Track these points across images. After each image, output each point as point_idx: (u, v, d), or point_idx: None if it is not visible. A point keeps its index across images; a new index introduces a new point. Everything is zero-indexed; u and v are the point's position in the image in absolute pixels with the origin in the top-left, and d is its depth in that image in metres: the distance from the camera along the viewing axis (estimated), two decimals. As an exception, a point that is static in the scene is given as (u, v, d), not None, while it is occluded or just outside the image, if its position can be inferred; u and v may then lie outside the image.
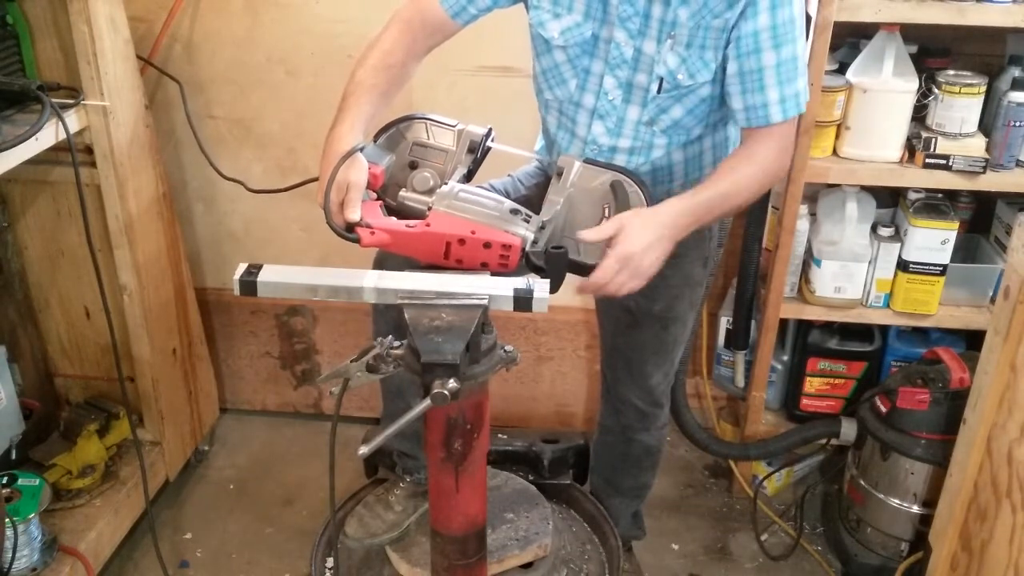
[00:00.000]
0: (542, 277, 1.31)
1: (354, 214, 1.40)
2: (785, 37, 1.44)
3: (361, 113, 1.52)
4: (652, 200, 1.46)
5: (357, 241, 1.40)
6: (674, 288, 1.73)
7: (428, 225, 1.39)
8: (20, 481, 1.94)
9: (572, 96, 1.60)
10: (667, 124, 1.56)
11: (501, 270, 1.38)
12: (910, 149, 2.06)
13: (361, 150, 1.46)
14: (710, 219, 1.51)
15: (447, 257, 1.38)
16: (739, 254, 2.29)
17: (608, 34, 1.51)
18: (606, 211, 1.46)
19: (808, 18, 1.97)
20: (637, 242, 1.37)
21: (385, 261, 1.68)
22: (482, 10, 1.60)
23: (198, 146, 2.37)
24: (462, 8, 1.59)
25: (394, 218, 1.44)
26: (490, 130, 1.59)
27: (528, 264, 1.38)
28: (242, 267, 1.31)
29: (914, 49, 2.03)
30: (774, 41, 1.44)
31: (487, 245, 1.37)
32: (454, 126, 1.58)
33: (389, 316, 1.68)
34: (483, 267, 1.38)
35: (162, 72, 2.34)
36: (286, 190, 2.18)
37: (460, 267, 1.39)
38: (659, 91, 1.52)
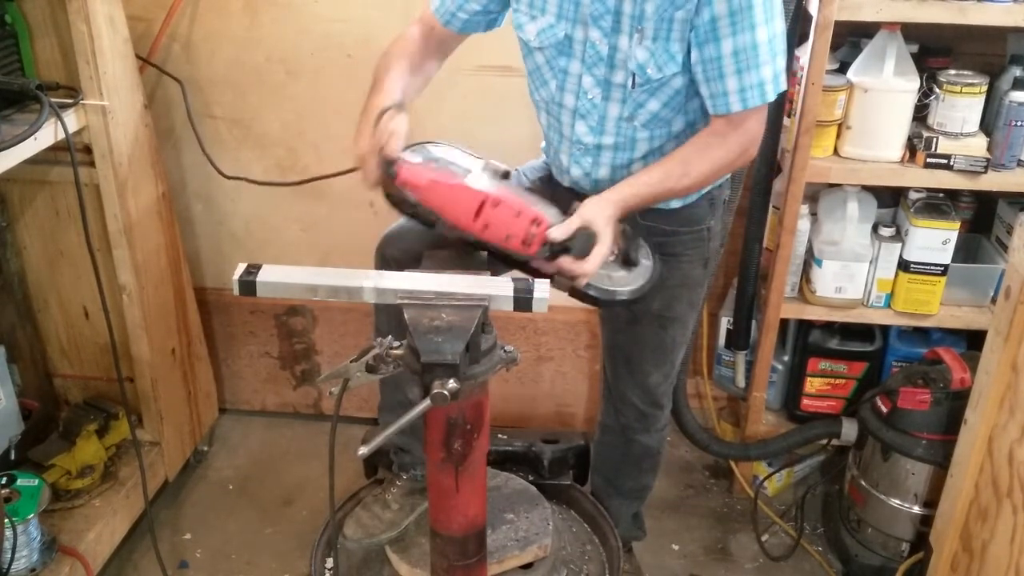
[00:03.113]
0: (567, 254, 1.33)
1: (395, 152, 1.41)
2: (742, 24, 1.41)
3: (395, 83, 1.55)
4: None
5: (394, 177, 1.38)
6: (673, 288, 1.73)
7: (466, 181, 1.38)
8: (19, 481, 1.93)
9: (554, 97, 1.61)
10: (646, 118, 1.56)
11: (522, 249, 1.36)
12: (911, 149, 2.05)
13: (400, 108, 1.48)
14: (657, 200, 1.53)
15: (477, 217, 1.35)
16: (739, 254, 2.28)
17: (583, 34, 1.52)
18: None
19: (808, 18, 1.97)
20: (604, 232, 1.40)
21: (388, 247, 1.69)
22: (472, 14, 1.63)
23: (199, 145, 2.37)
24: (451, 15, 1.64)
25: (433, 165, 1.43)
26: (508, 172, 1.58)
27: (551, 248, 1.37)
28: (241, 267, 1.31)
29: (915, 48, 2.03)
30: (731, 28, 1.41)
31: (519, 214, 1.36)
32: (480, 157, 1.59)
33: (391, 312, 1.68)
34: (506, 240, 1.36)
35: (162, 71, 2.34)
36: (292, 184, 2.17)
37: (482, 236, 1.36)
38: (633, 86, 1.53)
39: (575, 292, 1.42)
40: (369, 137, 1.45)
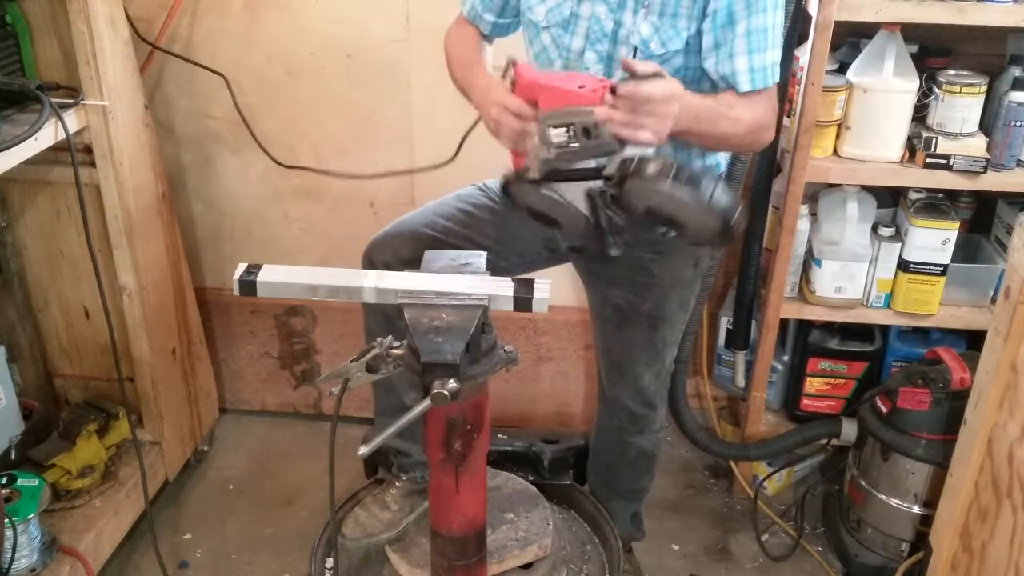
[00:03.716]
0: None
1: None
2: (757, 6, 1.46)
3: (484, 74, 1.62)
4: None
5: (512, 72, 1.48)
6: (663, 288, 1.73)
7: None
8: (19, 481, 1.93)
9: None
10: None
11: (588, 96, 1.36)
12: (911, 149, 2.05)
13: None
14: (708, 121, 1.48)
15: (564, 73, 1.47)
16: (739, 254, 2.29)
17: (588, 10, 1.54)
18: None
19: (808, 18, 1.97)
20: (675, 83, 1.37)
21: (375, 252, 1.71)
22: (498, 13, 1.67)
23: (252, 137, 2.39)
24: (478, 16, 1.68)
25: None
26: None
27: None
28: (242, 267, 1.31)
29: (915, 49, 2.03)
30: (747, 11, 1.46)
31: (602, 81, 1.37)
32: None
33: (378, 311, 1.69)
34: (579, 88, 1.37)
35: (201, 66, 2.34)
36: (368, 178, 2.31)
37: (558, 80, 1.41)
38: None
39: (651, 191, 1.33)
40: (504, 88, 1.47)
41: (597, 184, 1.40)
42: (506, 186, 1.49)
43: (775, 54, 1.51)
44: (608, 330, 1.84)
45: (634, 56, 1.53)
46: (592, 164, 1.39)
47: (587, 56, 1.57)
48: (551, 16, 1.58)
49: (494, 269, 1.42)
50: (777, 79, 1.53)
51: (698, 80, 1.55)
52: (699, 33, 1.50)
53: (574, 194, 1.43)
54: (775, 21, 1.49)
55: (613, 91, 1.34)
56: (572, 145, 1.37)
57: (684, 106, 1.37)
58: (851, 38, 2.16)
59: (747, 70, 1.49)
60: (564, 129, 1.37)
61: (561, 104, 1.37)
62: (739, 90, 1.50)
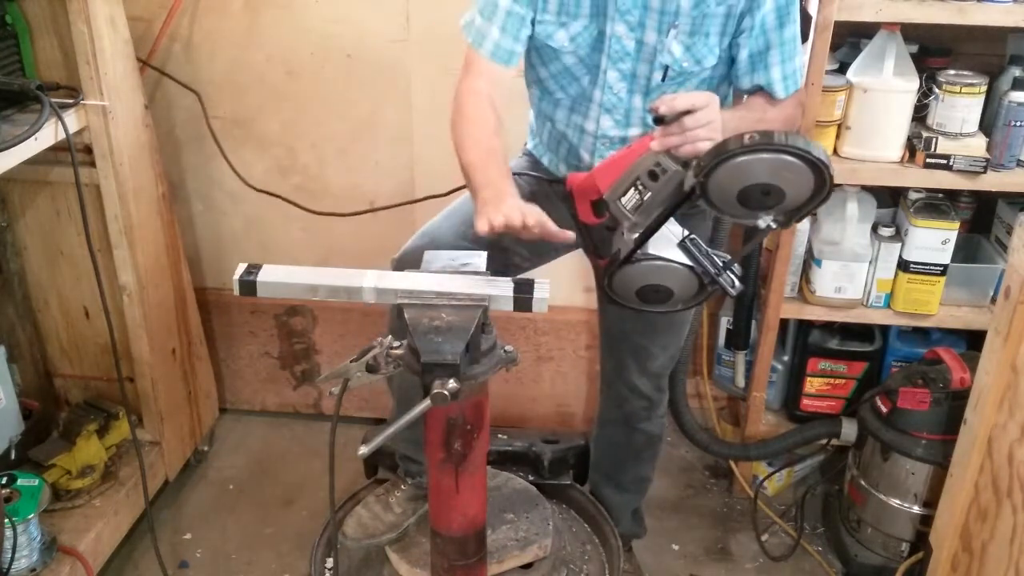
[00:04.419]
0: None
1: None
2: (788, 17, 1.53)
3: (505, 172, 1.51)
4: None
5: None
6: None
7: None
8: (19, 481, 1.93)
9: (585, 92, 1.63)
10: None
11: (636, 147, 1.39)
12: (911, 149, 2.05)
13: None
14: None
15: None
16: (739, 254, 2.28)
17: (609, 29, 1.54)
18: None
19: (808, 18, 1.97)
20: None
21: (406, 267, 1.67)
22: (526, 41, 1.61)
23: (221, 154, 2.40)
24: (510, 54, 1.58)
25: None
26: None
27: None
28: (242, 267, 1.31)
29: (915, 49, 2.03)
30: (778, 22, 1.52)
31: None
32: None
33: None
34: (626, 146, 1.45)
35: (178, 82, 2.35)
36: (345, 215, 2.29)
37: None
38: (663, 79, 1.56)
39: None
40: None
41: (685, 232, 1.40)
42: (609, 283, 1.45)
43: (801, 57, 1.58)
44: (628, 316, 1.84)
45: (664, 74, 1.55)
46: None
47: (610, 74, 1.58)
48: (579, 40, 1.57)
49: (513, 268, 1.42)
50: (803, 77, 1.61)
51: (715, 87, 1.58)
52: (730, 47, 1.56)
53: (670, 254, 1.40)
54: (798, 28, 1.56)
55: (658, 121, 1.33)
56: (646, 197, 1.36)
57: (722, 122, 1.36)
58: (851, 38, 2.16)
59: (781, 78, 1.57)
60: (632, 190, 1.37)
61: (618, 174, 1.39)
62: (775, 97, 1.57)
